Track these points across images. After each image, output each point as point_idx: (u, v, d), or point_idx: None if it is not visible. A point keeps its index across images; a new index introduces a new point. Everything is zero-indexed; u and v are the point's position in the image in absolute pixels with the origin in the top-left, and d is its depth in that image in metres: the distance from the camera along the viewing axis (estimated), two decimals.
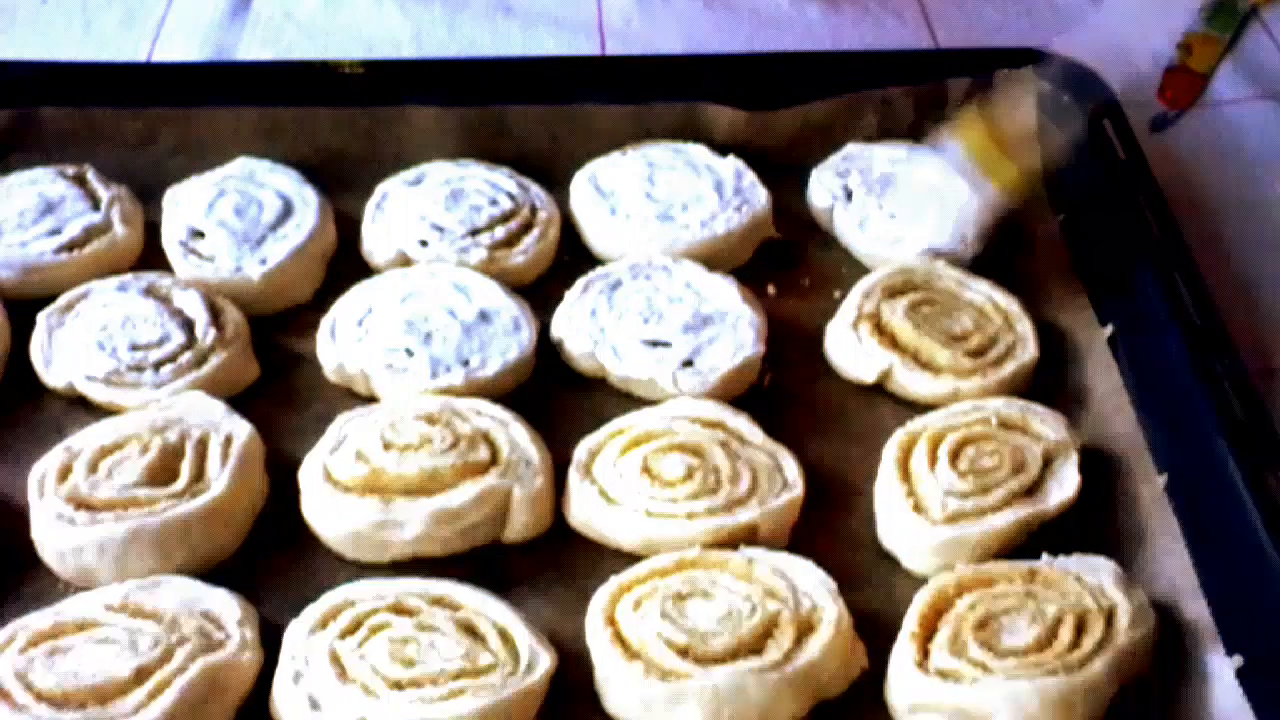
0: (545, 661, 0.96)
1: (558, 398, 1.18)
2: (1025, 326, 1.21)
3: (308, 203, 1.30)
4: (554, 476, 1.09)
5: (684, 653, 0.95)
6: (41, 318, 1.19)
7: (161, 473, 1.06)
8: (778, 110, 1.38)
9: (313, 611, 0.98)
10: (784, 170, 1.36)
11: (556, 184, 1.34)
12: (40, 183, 1.31)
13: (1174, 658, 0.98)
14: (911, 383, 1.17)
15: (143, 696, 0.92)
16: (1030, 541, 1.05)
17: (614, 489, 1.07)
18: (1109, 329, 1.21)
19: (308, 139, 1.36)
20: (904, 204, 1.31)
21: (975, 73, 1.40)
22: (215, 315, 1.19)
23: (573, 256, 1.31)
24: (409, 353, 1.17)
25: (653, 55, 1.58)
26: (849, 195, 1.33)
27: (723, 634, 0.96)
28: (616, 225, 1.30)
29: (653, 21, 1.65)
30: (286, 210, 1.29)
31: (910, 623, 0.98)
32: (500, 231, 1.28)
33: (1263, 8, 1.68)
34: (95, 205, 1.29)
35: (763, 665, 0.94)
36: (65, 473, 1.06)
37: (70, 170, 1.32)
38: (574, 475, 1.09)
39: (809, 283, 1.30)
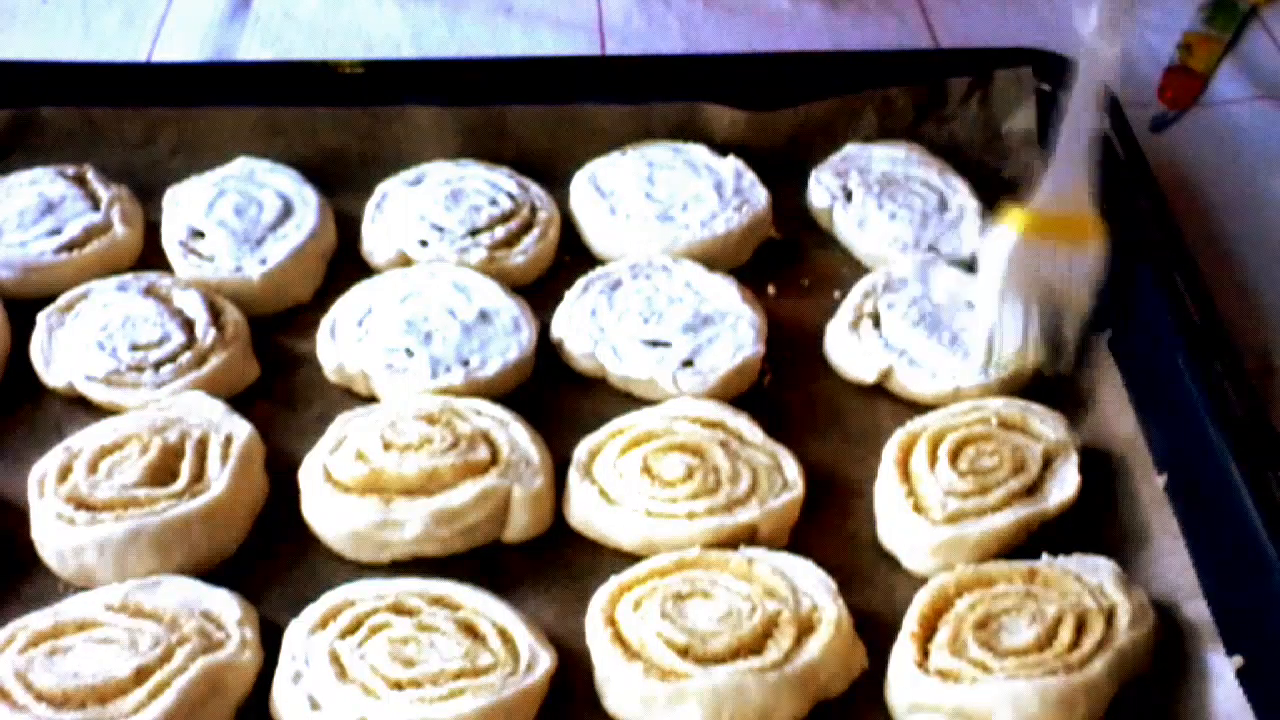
0: (545, 661, 0.96)
1: (558, 398, 1.18)
2: None
3: (308, 203, 1.30)
4: (554, 476, 1.09)
5: (684, 653, 0.95)
6: (41, 318, 1.19)
7: (161, 473, 1.06)
8: (778, 110, 1.38)
9: (313, 611, 0.98)
10: (784, 170, 1.36)
11: (556, 184, 1.34)
12: (40, 183, 1.31)
13: (1174, 658, 0.98)
14: (911, 383, 1.17)
15: (143, 696, 0.92)
16: (1030, 541, 1.05)
17: (614, 489, 1.07)
18: (1109, 330, 1.21)
19: (308, 139, 1.36)
20: (947, 337, 1.20)
21: (975, 73, 1.40)
22: (215, 315, 1.19)
23: (573, 256, 1.31)
24: (409, 353, 1.17)
25: (653, 55, 1.58)
26: (849, 195, 1.33)
27: (723, 634, 0.96)
28: (616, 225, 1.30)
29: (653, 21, 1.65)
30: (286, 210, 1.29)
31: (910, 623, 0.98)
32: (500, 231, 1.28)
33: (1263, 8, 1.68)
34: (95, 205, 1.29)
35: (763, 665, 0.94)
36: (65, 473, 1.06)
37: (70, 170, 1.32)
38: (574, 475, 1.09)
39: (809, 283, 1.30)
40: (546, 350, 1.21)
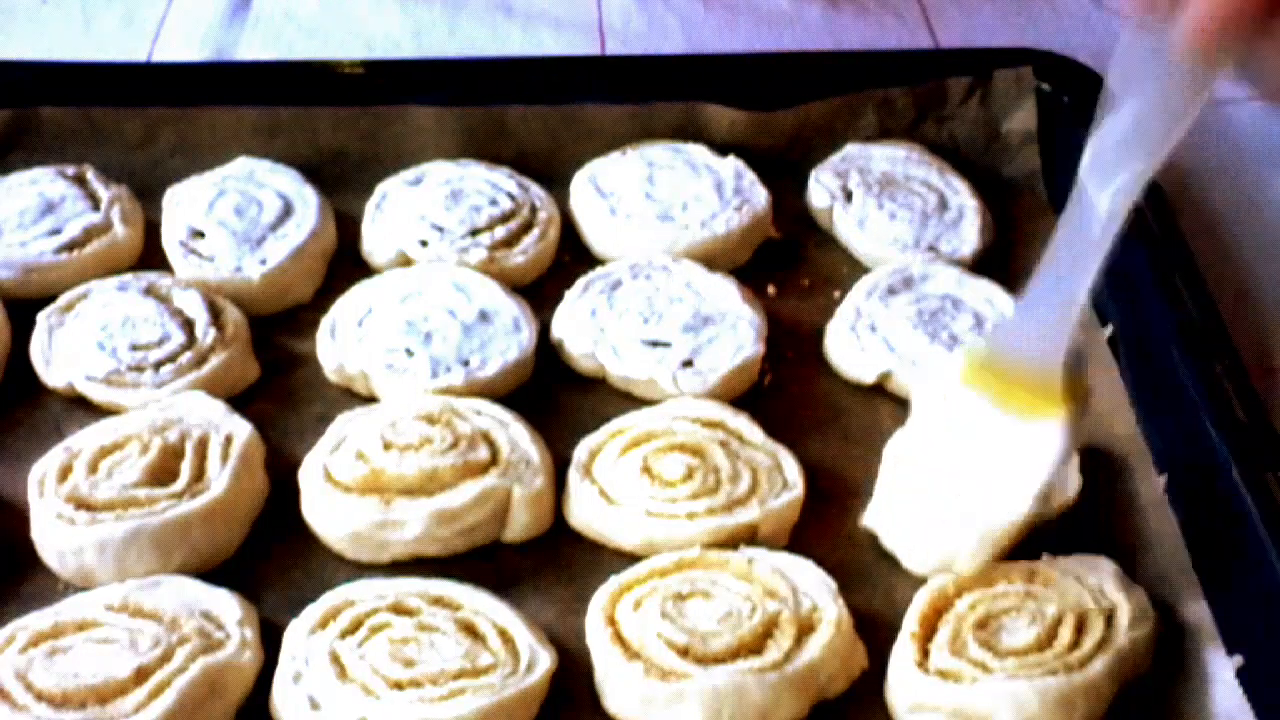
0: (545, 661, 0.96)
1: (558, 398, 1.18)
2: None
3: (308, 203, 1.30)
4: (554, 476, 1.09)
5: (684, 653, 0.95)
6: (41, 318, 1.19)
7: (161, 473, 1.06)
8: (778, 110, 1.38)
9: (313, 611, 0.98)
10: (784, 170, 1.36)
11: (556, 184, 1.34)
12: (40, 183, 1.31)
13: (1174, 658, 0.98)
14: (911, 384, 1.17)
15: (143, 696, 0.92)
16: (1030, 541, 1.05)
17: (614, 489, 1.07)
18: (1109, 329, 1.21)
19: (308, 139, 1.36)
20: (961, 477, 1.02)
21: (975, 73, 1.40)
22: (215, 315, 1.19)
23: (573, 256, 1.31)
24: (409, 353, 1.17)
25: (653, 55, 1.58)
26: (849, 195, 1.33)
27: (723, 634, 0.96)
28: (616, 225, 1.30)
29: (653, 21, 1.65)
30: (286, 210, 1.29)
31: (910, 623, 0.98)
32: (500, 231, 1.28)
33: None
34: (95, 205, 1.29)
35: (763, 665, 0.94)
36: (65, 473, 1.06)
37: (70, 170, 1.32)
38: (574, 475, 1.09)
39: (809, 283, 1.30)
40: (546, 350, 1.21)
